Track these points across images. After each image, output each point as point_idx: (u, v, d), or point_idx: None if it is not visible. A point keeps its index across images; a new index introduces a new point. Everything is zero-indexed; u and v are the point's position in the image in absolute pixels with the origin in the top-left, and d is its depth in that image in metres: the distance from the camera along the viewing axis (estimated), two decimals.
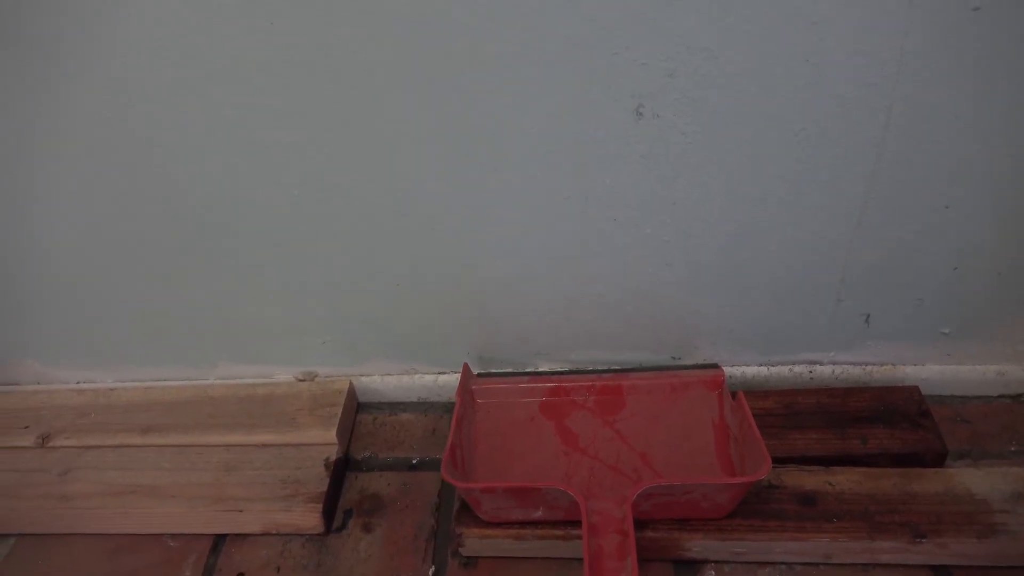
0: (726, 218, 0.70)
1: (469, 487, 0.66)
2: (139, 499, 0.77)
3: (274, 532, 0.76)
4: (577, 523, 0.67)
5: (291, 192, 0.71)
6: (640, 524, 0.68)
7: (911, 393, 0.78)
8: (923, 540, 0.65)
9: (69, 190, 0.72)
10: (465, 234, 0.73)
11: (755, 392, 0.79)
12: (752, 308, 0.77)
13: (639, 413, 0.79)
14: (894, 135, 0.63)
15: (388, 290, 0.79)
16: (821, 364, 0.81)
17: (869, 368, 0.80)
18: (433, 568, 0.72)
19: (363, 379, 0.88)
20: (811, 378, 0.81)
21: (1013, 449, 0.76)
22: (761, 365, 0.82)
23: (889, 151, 0.64)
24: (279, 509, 0.75)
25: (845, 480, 0.70)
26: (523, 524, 0.70)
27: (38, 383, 0.93)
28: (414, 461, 0.83)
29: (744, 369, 0.82)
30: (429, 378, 0.87)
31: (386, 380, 0.88)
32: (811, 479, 0.71)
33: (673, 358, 0.83)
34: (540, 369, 0.85)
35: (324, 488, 0.76)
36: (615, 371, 0.82)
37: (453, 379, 0.86)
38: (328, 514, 0.76)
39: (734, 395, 0.74)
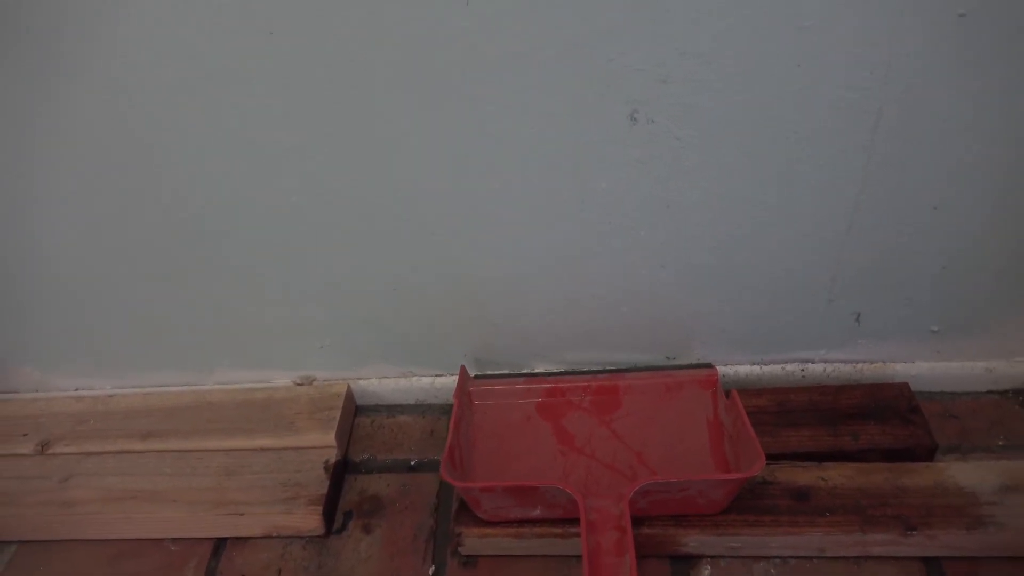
0: (720, 220, 0.71)
1: (468, 487, 0.67)
2: (140, 504, 0.78)
3: (275, 535, 0.77)
4: (575, 521, 0.69)
5: (290, 196, 0.71)
6: (637, 521, 0.69)
7: (901, 390, 0.79)
8: (914, 532, 0.67)
9: (67, 195, 0.73)
10: (462, 237, 0.74)
11: (748, 390, 0.80)
12: (745, 308, 0.78)
13: (635, 412, 0.80)
14: (883, 138, 0.64)
15: (386, 293, 0.79)
16: (813, 362, 0.82)
17: (860, 366, 0.82)
18: (433, 568, 0.73)
19: (361, 382, 0.88)
20: (803, 376, 0.83)
21: (1001, 443, 0.78)
22: (754, 364, 0.83)
23: (879, 153, 0.65)
24: (280, 512, 0.76)
25: (837, 475, 0.72)
26: (522, 523, 0.71)
27: (36, 390, 0.93)
28: (413, 463, 0.84)
29: (737, 368, 0.83)
30: (427, 380, 0.88)
31: (384, 383, 0.88)
32: (804, 475, 0.72)
33: (668, 358, 0.84)
34: (536, 370, 0.86)
35: (324, 490, 0.77)
36: (611, 371, 0.84)
37: (450, 381, 0.86)
38: (328, 516, 0.77)
39: (728, 394, 0.75)
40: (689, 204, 0.70)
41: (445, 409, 0.89)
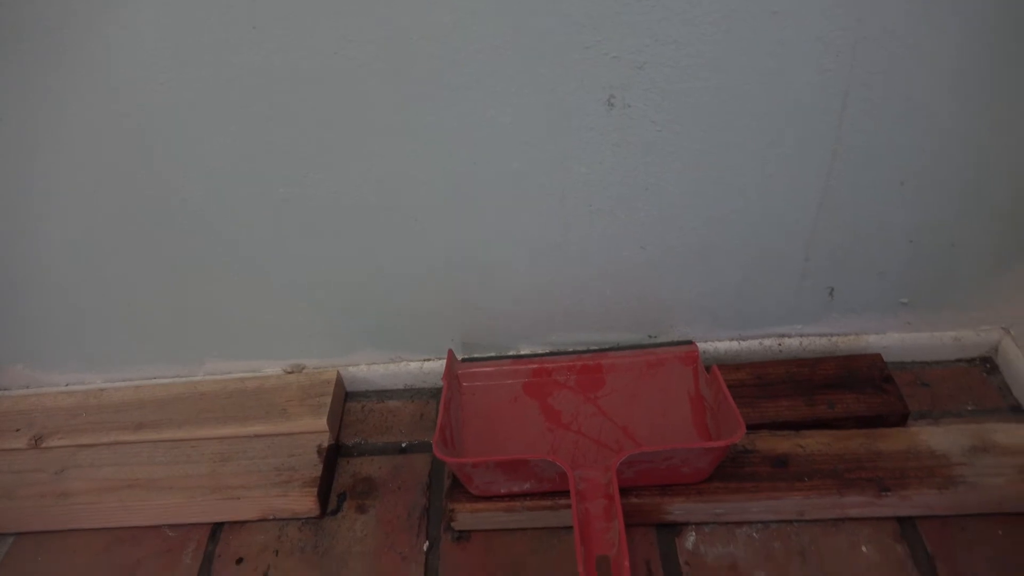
0: (696, 202, 0.73)
1: (461, 462, 0.69)
2: (136, 492, 0.79)
3: (271, 517, 0.79)
4: (565, 494, 0.71)
5: (277, 188, 0.73)
6: (624, 491, 0.71)
7: (874, 360, 0.82)
8: (888, 494, 0.70)
9: (56, 192, 0.74)
10: (446, 224, 0.76)
11: (728, 365, 0.83)
12: (723, 286, 0.81)
13: (619, 389, 0.83)
14: (851, 118, 0.67)
15: (373, 281, 0.81)
16: (789, 337, 0.85)
17: (834, 339, 0.85)
18: (427, 543, 0.75)
19: (350, 369, 0.90)
20: (780, 350, 0.86)
21: (970, 408, 0.81)
22: (733, 340, 0.86)
23: (847, 133, 0.68)
24: (275, 495, 0.77)
25: (815, 442, 0.75)
26: (513, 497, 0.73)
27: (27, 387, 0.94)
28: (403, 445, 0.85)
29: (717, 344, 0.86)
30: (415, 365, 0.90)
31: (373, 369, 0.90)
32: (783, 443, 0.75)
33: (649, 336, 0.86)
34: (522, 352, 0.88)
35: (318, 473, 0.79)
36: (595, 351, 0.86)
37: (438, 365, 0.88)
38: (323, 498, 0.79)
39: (709, 369, 0.78)
40: (667, 186, 0.72)
41: (434, 393, 0.91)
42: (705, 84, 0.65)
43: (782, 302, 0.82)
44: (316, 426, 0.83)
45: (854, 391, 0.79)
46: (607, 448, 0.77)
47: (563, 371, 0.85)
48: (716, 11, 0.60)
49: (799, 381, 0.81)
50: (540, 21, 0.61)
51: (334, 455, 0.84)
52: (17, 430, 0.88)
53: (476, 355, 0.88)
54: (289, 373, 0.90)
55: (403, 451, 0.85)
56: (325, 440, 0.82)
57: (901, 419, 0.78)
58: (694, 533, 0.73)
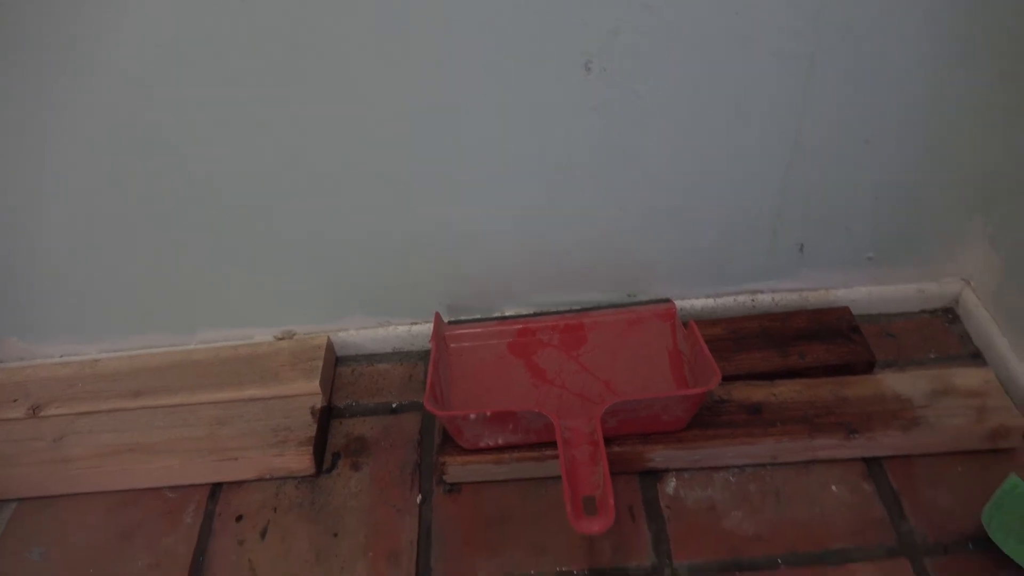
0: (671, 163, 0.76)
1: (453, 415, 0.72)
2: (136, 456, 0.81)
3: (268, 477, 0.82)
4: (551, 445, 0.74)
5: (266, 159, 0.75)
6: (607, 441, 0.75)
7: (843, 313, 0.87)
8: (856, 436, 0.74)
9: (48, 167, 0.75)
10: (431, 190, 0.78)
11: (704, 321, 0.87)
12: (699, 245, 0.85)
13: (600, 347, 0.86)
14: (818, 79, 0.70)
15: (360, 247, 0.84)
16: (762, 293, 0.89)
17: (805, 293, 0.89)
18: (420, 496, 0.79)
19: (340, 334, 0.93)
20: (754, 306, 0.89)
21: (932, 356, 0.85)
22: (708, 297, 0.90)
23: (814, 93, 0.71)
24: (272, 455, 0.80)
25: (787, 391, 0.79)
26: (501, 449, 0.76)
27: (22, 359, 0.95)
28: (394, 405, 0.88)
29: (693, 302, 0.90)
30: (403, 329, 0.93)
31: (362, 333, 0.93)
32: (757, 392, 0.79)
33: (629, 295, 0.90)
34: (507, 313, 0.91)
35: (313, 433, 0.82)
36: (577, 311, 0.89)
37: (426, 328, 0.91)
38: (318, 456, 0.82)
39: (686, 324, 0.82)
40: (643, 149, 0.75)
41: (421, 356, 0.94)
42: (678, 48, 0.68)
43: (755, 259, 0.86)
44: (309, 389, 0.86)
45: (824, 342, 0.83)
46: (590, 401, 0.81)
47: (547, 331, 0.88)
48: None
49: (772, 334, 0.85)
50: None
51: (327, 416, 0.87)
52: (15, 400, 0.90)
53: (462, 317, 0.91)
54: (280, 339, 0.93)
55: (394, 411, 0.88)
56: (318, 402, 0.85)
57: (868, 367, 0.82)
58: (674, 479, 0.77)
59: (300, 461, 0.80)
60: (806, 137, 0.74)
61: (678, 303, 0.88)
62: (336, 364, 0.94)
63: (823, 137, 0.74)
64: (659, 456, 0.76)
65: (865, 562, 0.70)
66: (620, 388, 0.81)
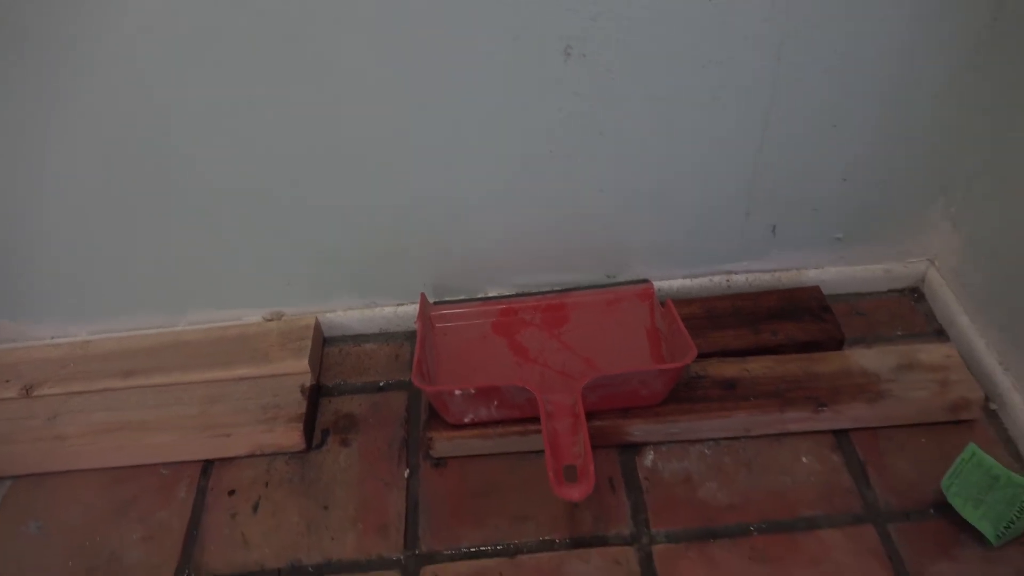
0: (649, 146, 0.79)
1: (439, 390, 0.75)
2: (129, 434, 0.83)
3: (259, 453, 0.84)
4: (534, 420, 0.77)
5: (253, 142, 0.77)
6: (588, 416, 0.77)
7: (814, 292, 0.90)
8: (824, 409, 0.78)
9: (41, 152, 0.77)
10: (415, 173, 0.81)
11: (681, 300, 0.90)
12: (675, 227, 0.88)
13: (581, 326, 0.89)
14: (786, 64, 0.73)
15: (347, 229, 0.86)
16: (736, 273, 0.92)
17: (777, 274, 0.92)
18: (408, 470, 0.81)
19: (328, 315, 0.95)
20: (728, 286, 0.93)
21: (899, 333, 0.89)
22: (685, 277, 0.93)
23: (783, 79, 0.74)
24: (263, 431, 0.82)
25: (759, 367, 0.82)
26: (486, 424, 0.79)
27: (13, 340, 0.96)
28: (381, 384, 0.91)
29: (671, 282, 0.93)
30: (389, 310, 0.95)
31: (349, 314, 0.95)
32: (731, 368, 0.82)
33: (609, 276, 0.93)
34: (490, 294, 0.94)
35: (303, 410, 0.84)
36: (558, 291, 0.92)
37: (412, 309, 0.94)
38: (308, 433, 0.84)
39: (663, 303, 0.85)
40: (621, 131, 0.78)
41: (407, 336, 0.96)
42: (654, 34, 0.70)
43: (729, 241, 0.89)
44: (298, 367, 0.88)
45: (795, 320, 0.87)
46: (571, 378, 0.83)
47: (529, 310, 0.91)
48: None
49: (745, 313, 0.88)
50: None
51: (316, 394, 0.89)
52: (7, 381, 0.91)
53: (447, 298, 0.93)
54: (269, 320, 0.95)
55: (381, 389, 0.90)
56: (307, 380, 0.87)
57: (837, 344, 0.85)
58: (652, 451, 0.81)
59: (290, 437, 0.83)
60: (777, 121, 0.77)
61: (656, 283, 0.91)
62: (324, 344, 0.96)
63: (793, 121, 0.77)
64: (638, 430, 0.79)
65: (832, 528, 0.73)
66: (600, 365, 0.84)
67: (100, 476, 0.84)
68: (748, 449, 0.80)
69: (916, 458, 0.77)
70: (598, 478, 0.78)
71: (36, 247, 0.86)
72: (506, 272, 0.92)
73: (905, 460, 0.77)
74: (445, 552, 0.75)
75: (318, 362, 0.93)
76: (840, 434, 0.80)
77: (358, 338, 0.97)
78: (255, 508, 0.80)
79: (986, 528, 0.69)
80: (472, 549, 0.74)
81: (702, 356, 0.83)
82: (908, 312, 0.91)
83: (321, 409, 0.89)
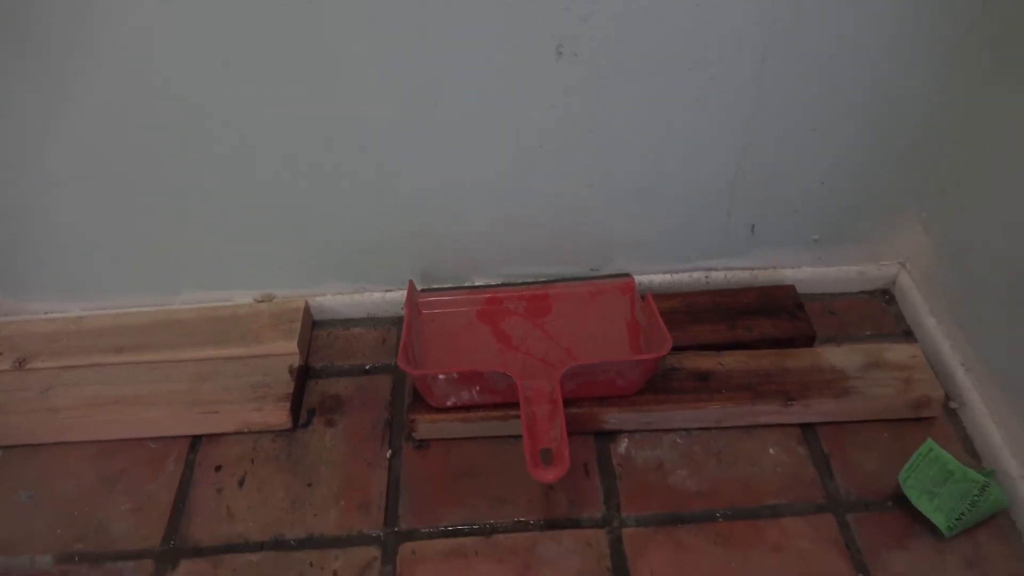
0: (635, 144, 0.82)
1: (423, 373, 0.78)
2: (121, 408, 0.86)
3: (246, 430, 0.86)
4: (514, 405, 0.80)
5: (250, 133, 0.79)
6: (566, 403, 0.80)
7: (789, 291, 0.93)
8: (793, 403, 0.81)
9: (38, 131, 0.78)
10: (408, 164, 0.83)
11: (661, 295, 0.92)
12: (658, 223, 0.90)
13: (564, 316, 0.92)
14: (770, 69, 0.76)
15: (339, 219, 0.88)
16: (716, 270, 0.95)
17: (755, 272, 0.95)
18: (390, 451, 0.84)
19: (317, 299, 0.97)
20: (708, 282, 0.96)
21: (869, 333, 0.92)
22: (666, 273, 0.96)
23: (767, 83, 0.77)
24: (251, 409, 0.85)
25: (733, 361, 0.85)
26: (468, 408, 0.82)
27: (6, 315, 0.98)
28: (367, 367, 0.94)
29: (652, 277, 0.95)
30: (377, 295, 0.98)
31: (338, 299, 0.98)
32: (706, 361, 0.85)
33: (592, 269, 0.95)
34: (477, 283, 0.96)
35: (290, 390, 0.87)
36: (542, 282, 0.95)
37: (399, 295, 0.96)
38: (295, 412, 0.87)
39: (643, 297, 0.87)
40: (610, 130, 0.80)
41: (395, 321, 0.99)
42: (644, 35, 0.73)
43: (710, 238, 0.92)
44: (287, 348, 0.91)
45: (770, 317, 0.90)
46: (552, 366, 0.86)
47: (513, 300, 0.94)
48: None
49: (723, 309, 0.91)
50: None
51: (304, 375, 0.92)
52: (1, 354, 0.93)
53: (434, 285, 0.96)
54: (260, 302, 0.97)
55: (367, 372, 0.93)
56: (296, 361, 0.90)
57: (809, 341, 0.89)
58: (626, 439, 0.84)
59: (278, 416, 0.85)
60: (759, 124, 0.80)
61: (638, 278, 0.94)
62: (313, 327, 0.99)
63: (774, 124, 0.80)
64: (613, 418, 0.82)
65: (795, 517, 0.76)
66: (580, 354, 0.87)
67: (91, 448, 0.87)
68: (719, 439, 0.83)
69: (878, 452, 0.81)
70: (574, 463, 0.81)
71: (32, 224, 0.87)
72: (493, 262, 0.95)
73: (867, 454, 0.81)
74: (424, 530, 0.77)
75: (307, 344, 0.95)
76: (807, 427, 0.83)
77: (347, 322, 0.99)
78: (241, 483, 0.82)
79: (939, 519, 0.72)
80: (450, 528, 0.77)
81: (679, 349, 0.85)
82: (878, 313, 0.95)
83: (308, 390, 0.91)
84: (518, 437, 0.81)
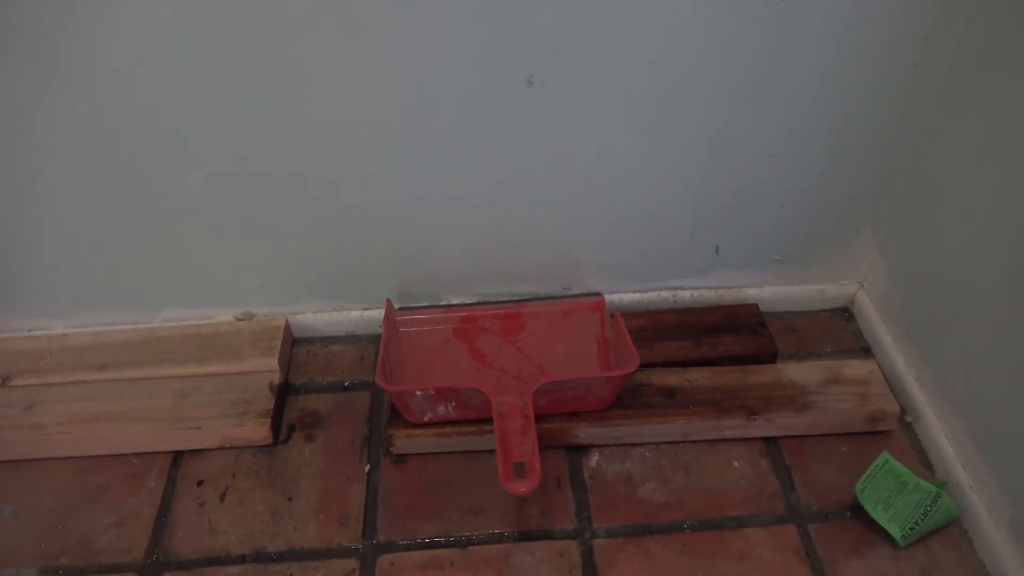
0: (602, 169, 0.85)
1: (400, 390, 0.80)
2: (104, 424, 0.88)
3: (228, 446, 0.88)
4: (489, 421, 0.82)
5: (230, 150, 0.81)
6: (538, 418, 0.83)
7: (752, 309, 0.97)
8: (756, 417, 0.84)
9: (23, 149, 0.80)
10: (384, 187, 0.86)
11: (630, 313, 0.96)
12: (626, 245, 0.94)
13: (536, 334, 0.95)
14: (729, 98, 0.79)
15: (319, 236, 0.91)
16: (682, 289, 0.99)
17: (720, 291, 0.99)
18: (369, 466, 0.87)
19: (297, 317, 1.00)
20: (675, 301, 0.99)
21: (829, 350, 0.96)
22: (635, 292, 0.99)
23: (726, 111, 0.81)
24: (232, 425, 0.87)
25: (699, 377, 0.88)
26: (444, 424, 0.85)
27: None
28: (346, 384, 0.96)
29: (621, 296, 0.99)
30: (356, 314, 1.00)
31: (318, 317, 1.00)
32: (673, 377, 0.89)
33: (564, 288, 0.99)
34: (452, 302, 0.99)
35: (271, 406, 0.89)
36: (516, 301, 0.98)
37: (377, 314, 0.99)
38: (275, 428, 0.89)
39: (613, 316, 0.91)
40: (577, 155, 0.84)
41: (373, 339, 1.01)
42: (608, 66, 0.76)
43: (676, 259, 0.96)
44: (268, 366, 0.93)
45: (734, 335, 0.93)
46: (525, 383, 0.89)
47: (488, 318, 0.97)
48: (614, 4, 0.72)
49: (690, 327, 0.95)
50: (469, 5, 0.71)
51: (284, 392, 0.94)
52: None
53: (411, 304, 0.99)
54: (241, 320, 0.99)
55: (346, 389, 0.96)
56: (276, 378, 0.92)
57: (772, 358, 0.92)
58: (597, 453, 0.87)
59: (258, 431, 0.87)
60: (719, 150, 0.84)
61: (608, 297, 0.97)
62: (293, 345, 1.01)
63: (734, 151, 0.84)
64: (584, 433, 0.85)
65: (758, 527, 0.80)
66: (552, 371, 0.90)
67: (74, 464, 0.88)
68: (686, 453, 0.86)
69: (837, 465, 0.84)
70: (546, 476, 0.84)
71: (15, 244, 0.89)
72: (467, 282, 0.98)
73: (827, 466, 0.84)
74: (401, 542, 0.80)
75: (287, 361, 0.98)
76: (770, 441, 0.87)
77: (326, 340, 1.02)
78: (222, 497, 0.85)
79: (894, 529, 0.76)
80: (427, 540, 0.80)
81: (647, 366, 0.89)
82: (838, 330, 0.99)
83: (288, 406, 0.94)
84: (493, 452, 0.84)
